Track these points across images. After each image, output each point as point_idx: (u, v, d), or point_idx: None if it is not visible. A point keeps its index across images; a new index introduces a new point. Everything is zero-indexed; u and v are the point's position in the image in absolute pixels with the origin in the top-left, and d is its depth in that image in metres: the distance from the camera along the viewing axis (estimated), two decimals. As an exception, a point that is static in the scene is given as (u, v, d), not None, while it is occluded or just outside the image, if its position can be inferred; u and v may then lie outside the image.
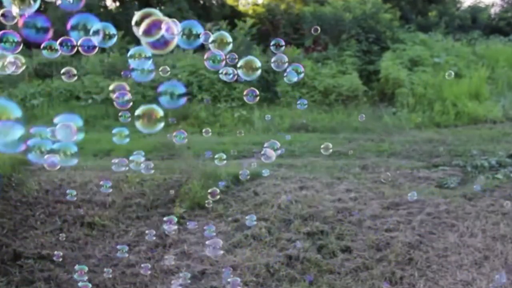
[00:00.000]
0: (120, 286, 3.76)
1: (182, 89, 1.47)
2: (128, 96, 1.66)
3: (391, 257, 4.05)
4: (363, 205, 5.19)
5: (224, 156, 2.13)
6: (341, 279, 3.77)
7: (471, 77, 11.37)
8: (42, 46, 1.45)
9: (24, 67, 1.42)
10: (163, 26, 1.22)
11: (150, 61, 1.40)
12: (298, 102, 2.82)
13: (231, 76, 1.62)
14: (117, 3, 19.40)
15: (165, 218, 2.15)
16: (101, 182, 2.46)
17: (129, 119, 1.79)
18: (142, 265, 3.87)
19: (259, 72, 1.53)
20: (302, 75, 1.72)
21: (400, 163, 6.62)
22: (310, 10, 15.54)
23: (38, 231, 4.65)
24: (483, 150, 7.28)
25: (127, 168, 1.78)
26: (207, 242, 1.78)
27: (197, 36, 1.28)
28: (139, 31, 1.24)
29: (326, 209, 5.05)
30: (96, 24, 1.35)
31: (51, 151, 1.27)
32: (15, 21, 1.29)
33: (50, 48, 1.45)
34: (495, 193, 5.43)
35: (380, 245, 4.30)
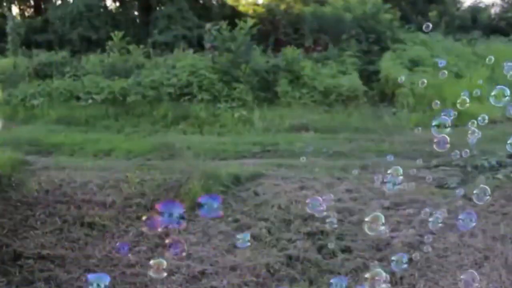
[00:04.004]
0: (120, 286, 3.76)
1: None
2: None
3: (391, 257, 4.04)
4: (363, 205, 5.19)
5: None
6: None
7: (471, 77, 11.37)
8: None
9: None
10: None
11: None
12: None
13: None
14: (117, 3, 19.40)
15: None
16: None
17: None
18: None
19: None
20: None
21: (400, 163, 6.62)
22: (310, 10, 15.53)
23: (38, 231, 4.65)
24: (483, 150, 7.27)
25: None
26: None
27: None
28: None
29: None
30: None
31: None
32: None
33: None
34: (495, 193, 5.42)
35: (380, 245, 4.30)
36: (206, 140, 8.51)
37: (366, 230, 1.66)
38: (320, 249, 4.24)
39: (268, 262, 3.98)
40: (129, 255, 4.24)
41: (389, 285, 1.38)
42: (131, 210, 5.16)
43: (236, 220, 4.87)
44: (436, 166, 6.60)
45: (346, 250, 4.23)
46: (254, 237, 4.47)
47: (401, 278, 3.74)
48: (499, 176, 5.95)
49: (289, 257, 4.08)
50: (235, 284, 3.73)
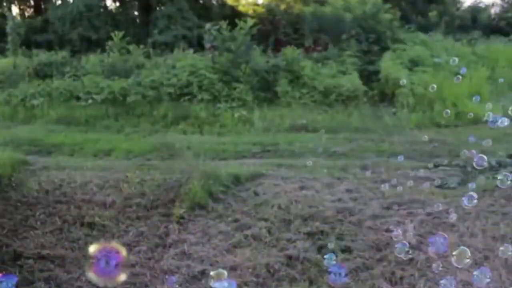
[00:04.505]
0: (120, 286, 3.75)
1: None
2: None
3: (391, 257, 4.04)
4: (363, 205, 5.19)
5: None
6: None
7: (471, 77, 11.37)
8: None
9: None
10: None
11: None
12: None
13: None
14: (117, 3, 19.40)
15: None
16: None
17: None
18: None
19: None
20: None
21: (400, 163, 6.62)
22: (310, 10, 15.53)
23: (38, 231, 4.65)
24: (483, 150, 7.27)
25: None
26: None
27: None
28: None
29: (326, 209, 5.05)
30: None
31: None
32: None
33: None
34: (495, 193, 5.42)
35: (380, 245, 4.30)
36: (206, 140, 8.51)
37: (453, 262, 1.72)
38: (320, 249, 4.23)
39: (268, 262, 3.98)
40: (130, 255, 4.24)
41: None
42: (131, 210, 5.16)
43: (236, 220, 4.87)
44: (436, 166, 6.60)
45: (346, 250, 4.23)
46: (254, 237, 4.47)
47: (401, 278, 3.75)
48: (499, 176, 5.94)
49: (289, 257, 4.08)
50: (235, 284, 3.73)
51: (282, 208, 5.08)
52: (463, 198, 2.15)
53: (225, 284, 1.53)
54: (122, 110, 10.41)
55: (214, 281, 1.54)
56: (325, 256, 2.34)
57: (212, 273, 1.60)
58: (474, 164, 2.13)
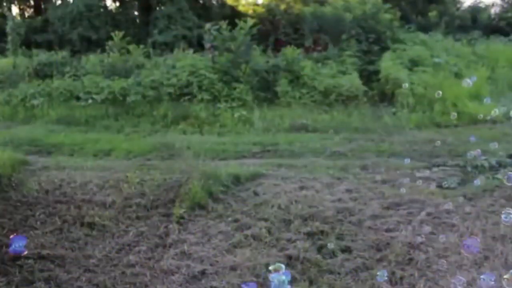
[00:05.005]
0: (120, 286, 3.76)
1: None
2: None
3: (391, 257, 4.05)
4: (363, 205, 5.19)
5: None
6: (341, 279, 3.77)
7: (471, 77, 11.36)
8: None
9: None
10: None
11: None
12: None
13: None
14: (117, 3, 19.40)
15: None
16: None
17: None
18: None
19: None
20: None
21: (400, 163, 6.62)
22: (310, 10, 15.53)
23: (38, 231, 4.65)
24: (483, 150, 7.26)
25: None
26: None
27: None
28: None
29: (326, 209, 5.05)
30: None
31: None
32: None
33: None
34: (495, 193, 5.42)
35: (380, 245, 4.30)
36: (206, 140, 8.51)
37: (505, 284, 1.75)
38: (320, 249, 4.24)
39: (268, 262, 3.98)
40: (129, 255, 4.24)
41: None
42: (131, 210, 5.16)
43: (236, 220, 4.87)
44: (436, 166, 6.60)
45: (346, 250, 4.23)
46: (254, 237, 4.47)
47: (401, 278, 3.75)
48: (499, 176, 5.94)
49: (289, 257, 4.08)
50: (235, 284, 3.74)
51: (282, 208, 5.08)
52: (502, 215, 2.15)
53: (282, 276, 1.62)
54: (122, 110, 10.41)
55: (272, 273, 1.61)
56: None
57: (271, 267, 1.65)
58: (505, 181, 2.16)
